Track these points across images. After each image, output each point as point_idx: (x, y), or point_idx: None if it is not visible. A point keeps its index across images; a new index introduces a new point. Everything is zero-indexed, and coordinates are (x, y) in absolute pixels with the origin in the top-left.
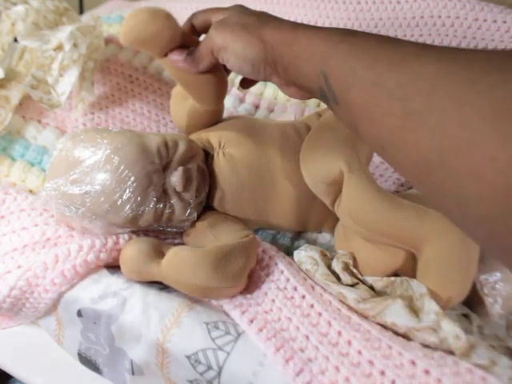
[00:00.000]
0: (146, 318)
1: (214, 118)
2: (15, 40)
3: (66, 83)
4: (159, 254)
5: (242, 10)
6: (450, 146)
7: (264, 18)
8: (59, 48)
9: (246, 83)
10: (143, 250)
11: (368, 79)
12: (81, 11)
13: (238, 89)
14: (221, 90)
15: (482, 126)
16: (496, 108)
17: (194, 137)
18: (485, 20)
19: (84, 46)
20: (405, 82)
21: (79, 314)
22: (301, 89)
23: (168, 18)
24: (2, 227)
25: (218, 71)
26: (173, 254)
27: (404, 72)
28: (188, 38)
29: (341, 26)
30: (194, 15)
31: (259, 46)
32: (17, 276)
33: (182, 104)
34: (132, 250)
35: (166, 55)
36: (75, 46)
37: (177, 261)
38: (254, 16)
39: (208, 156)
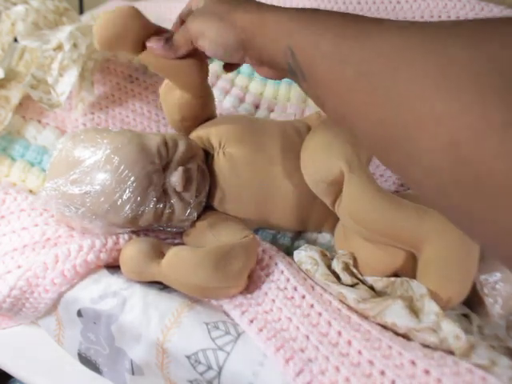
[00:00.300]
0: (146, 318)
1: (206, 108)
2: (15, 40)
3: (65, 83)
4: (159, 254)
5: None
6: (413, 120)
7: (234, 3)
8: (59, 48)
9: (228, 67)
10: (143, 250)
11: (334, 56)
12: (81, 11)
13: (223, 72)
14: (203, 73)
15: (442, 99)
16: (446, 72)
17: (193, 136)
18: None
19: (84, 46)
20: (370, 58)
21: (79, 313)
22: (272, 67)
23: (132, 13)
24: (2, 227)
25: (197, 55)
26: (173, 253)
27: (369, 48)
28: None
29: None
30: (182, 11)
31: (230, 30)
32: (17, 276)
33: (171, 97)
34: (132, 250)
35: (142, 50)
36: (75, 45)
37: (177, 261)
38: (226, 3)
39: (208, 156)
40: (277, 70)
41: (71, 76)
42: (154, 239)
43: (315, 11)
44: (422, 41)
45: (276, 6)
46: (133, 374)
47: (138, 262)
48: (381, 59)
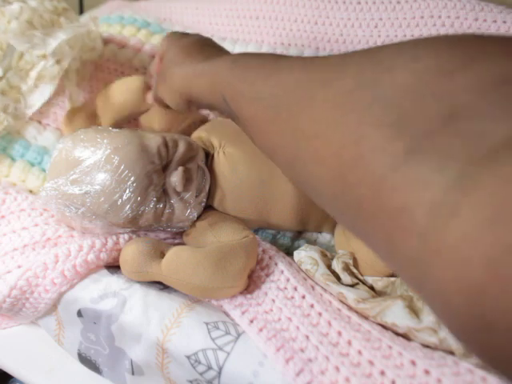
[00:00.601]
0: (146, 318)
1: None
2: None
3: (38, 97)
4: (159, 253)
5: (169, 56)
6: (303, 139)
7: (176, 60)
8: (43, 57)
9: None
10: (143, 250)
11: (251, 95)
12: (81, 11)
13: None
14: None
15: (325, 118)
16: (334, 101)
17: (194, 136)
18: (485, 20)
19: (67, 61)
20: (276, 92)
21: (79, 314)
22: (214, 110)
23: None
24: (2, 227)
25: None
26: (173, 253)
27: (275, 83)
28: None
29: (340, 27)
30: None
31: (171, 90)
32: (17, 276)
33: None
34: (132, 250)
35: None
36: (58, 61)
37: (177, 261)
38: (171, 61)
39: (208, 156)
40: (218, 112)
41: (45, 91)
42: (155, 239)
43: (237, 59)
44: (321, 73)
45: (210, 57)
46: (133, 373)
47: (139, 262)
48: (286, 93)
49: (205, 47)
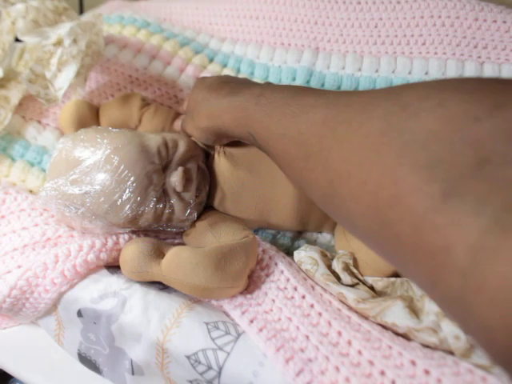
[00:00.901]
0: (146, 318)
1: None
2: (16, 40)
3: (63, 78)
4: (159, 254)
5: (194, 95)
6: (337, 178)
7: (201, 99)
8: (58, 43)
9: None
10: (143, 250)
11: (279, 132)
12: (81, 11)
13: None
14: None
15: (357, 158)
16: (365, 142)
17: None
18: (485, 20)
19: (83, 42)
20: (303, 129)
21: (79, 314)
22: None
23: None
24: (2, 227)
25: None
26: (173, 253)
27: (302, 122)
28: None
29: (340, 27)
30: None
31: (198, 128)
32: (17, 276)
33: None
34: (132, 250)
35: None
36: (75, 41)
37: (177, 261)
38: (195, 102)
39: (208, 156)
40: (249, 143)
41: (70, 71)
42: (154, 239)
43: (262, 95)
44: (346, 113)
45: (232, 94)
46: (133, 373)
47: (139, 262)
48: (314, 132)
49: (228, 83)
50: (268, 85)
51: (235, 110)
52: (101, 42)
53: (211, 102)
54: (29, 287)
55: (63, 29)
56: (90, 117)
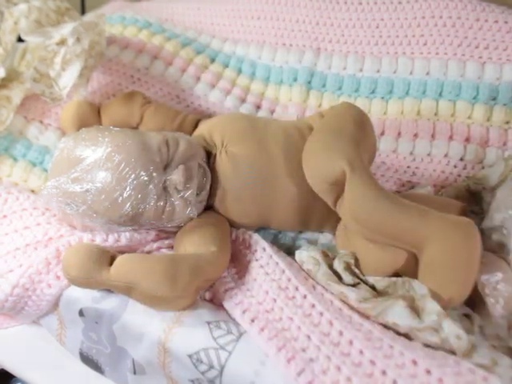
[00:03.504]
0: (148, 317)
1: None
2: (18, 40)
3: (68, 77)
4: (106, 259)
5: None
6: None
7: None
8: (62, 43)
9: None
10: (91, 256)
11: None
12: (82, 11)
13: None
14: None
15: None
16: None
17: (195, 135)
18: (486, 20)
19: (86, 41)
20: None
21: (81, 313)
22: None
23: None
24: (4, 226)
25: None
26: (125, 257)
27: None
28: None
29: (342, 27)
30: None
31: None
32: (19, 274)
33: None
34: (78, 256)
35: None
36: (78, 40)
37: (129, 264)
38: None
39: (210, 155)
40: None
41: (74, 70)
42: (99, 245)
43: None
44: None
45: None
46: (135, 373)
47: (86, 268)
48: None
49: None
50: None
51: None
52: (103, 42)
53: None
54: (31, 284)
55: (66, 28)
56: (91, 116)
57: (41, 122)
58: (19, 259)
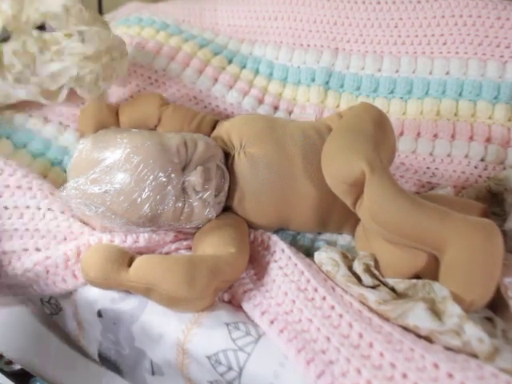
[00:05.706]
0: (167, 318)
1: None
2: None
3: (51, 68)
4: (125, 260)
5: None
6: None
7: None
8: (68, 36)
9: None
10: (109, 257)
11: None
12: (100, 13)
13: None
14: None
15: None
16: None
17: (214, 136)
18: (507, 19)
19: (92, 48)
20: None
21: (99, 314)
22: None
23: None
24: (26, 198)
25: None
26: (144, 258)
27: None
28: None
29: (360, 27)
30: None
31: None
32: (35, 260)
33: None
34: (97, 257)
35: None
36: (82, 41)
37: (148, 265)
38: None
39: (229, 156)
40: None
41: (60, 66)
42: (119, 246)
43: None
44: None
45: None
46: (153, 374)
47: (105, 269)
48: None
49: None
50: None
51: None
52: (123, 64)
53: None
54: (45, 274)
55: (82, 28)
56: (109, 118)
57: (60, 123)
58: (37, 242)
